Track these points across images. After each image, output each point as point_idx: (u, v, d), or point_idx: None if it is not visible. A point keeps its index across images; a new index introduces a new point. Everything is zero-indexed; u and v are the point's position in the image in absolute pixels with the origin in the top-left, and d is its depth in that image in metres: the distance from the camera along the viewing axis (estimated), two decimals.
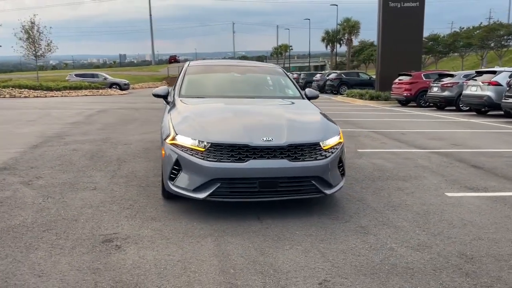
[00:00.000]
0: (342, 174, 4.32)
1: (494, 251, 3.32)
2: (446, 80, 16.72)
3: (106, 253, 3.19)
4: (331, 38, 60.98)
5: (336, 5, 50.30)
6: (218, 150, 3.81)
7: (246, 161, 3.78)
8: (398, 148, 7.70)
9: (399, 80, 19.85)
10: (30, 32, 28.86)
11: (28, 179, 5.22)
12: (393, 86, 20.18)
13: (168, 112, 4.58)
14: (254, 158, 3.81)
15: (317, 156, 3.98)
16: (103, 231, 3.61)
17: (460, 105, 15.99)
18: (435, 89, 16.98)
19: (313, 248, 3.34)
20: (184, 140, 3.91)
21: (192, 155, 3.83)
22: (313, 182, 3.96)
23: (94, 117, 12.61)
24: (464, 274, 2.94)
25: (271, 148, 3.84)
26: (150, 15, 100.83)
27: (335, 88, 29.65)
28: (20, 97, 24.20)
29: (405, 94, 19.13)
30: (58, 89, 27.21)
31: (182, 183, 3.90)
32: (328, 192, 4.04)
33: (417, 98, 18.98)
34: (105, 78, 33.34)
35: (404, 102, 19.90)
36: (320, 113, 4.71)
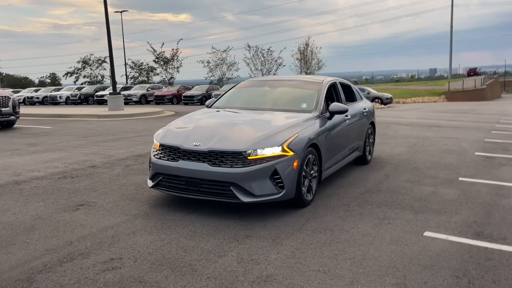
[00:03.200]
0: (281, 187, 4.36)
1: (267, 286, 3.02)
2: None
3: (62, 211, 4.62)
4: None
5: None
6: (163, 150, 4.68)
7: (177, 161, 4.51)
8: None
9: None
10: (304, 53, 33.28)
11: (135, 163, 7.21)
12: None
13: None
14: (183, 160, 4.48)
15: (236, 164, 4.27)
16: (91, 199, 5.06)
17: None
18: None
19: (172, 240, 3.83)
20: (155, 141, 4.94)
21: (152, 152, 4.84)
22: (231, 188, 4.28)
23: None
24: None
25: (197, 152, 4.42)
26: (451, 26, 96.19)
27: None
28: None
29: None
30: None
31: (149, 173, 4.95)
32: (245, 200, 4.24)
33: None
34: (368, 93, 34.69)
35: None
36: (288, 127, 4.72)
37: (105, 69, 43.81)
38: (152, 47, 38.77)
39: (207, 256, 3.45)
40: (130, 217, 4.40)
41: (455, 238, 3.88)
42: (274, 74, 34.46)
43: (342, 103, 6.21)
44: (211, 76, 39.36)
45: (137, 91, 33.99)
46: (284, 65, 33.97)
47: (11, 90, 44.27)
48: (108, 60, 44.32)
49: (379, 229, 4.11)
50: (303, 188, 4.61)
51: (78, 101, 36.11)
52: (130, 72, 42.19)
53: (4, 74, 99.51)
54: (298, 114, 5.18)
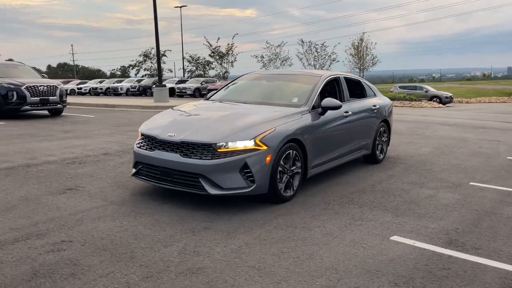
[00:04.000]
0: (252, 181, 4.30)
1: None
2: None
3: (49, 194, 4.85)
4: None
5: None
6: (143, 139, 4.78)
7: (154, 151, 4.59)
8: None
9: None
10: (358, 48, 32.45)
11: None
12: None
13: None
14: (159, 149, 4.55)
15: (206, 156, 4.27)
16: (83, 184, 5.28)
17: None
18: None
19: (130, 227, 3.91)
20: (139, 130, 5.06)
21: (136, 141, 4.97)
22: (200, 179, 4.29)
23: None
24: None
25: (170, 143, 4.47)
26: None
27: None
28: None
29: None
30: None
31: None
32: (212, 192, 4.23)
33: None
34: (427, 91, 33.16)
35: None
36: (267, 121, 4.62)
37: (164, 62, 45.34)
38: (208, 42, 39.54)
39: (154, 245, 3.48)
40: (106, 203, 4.53)
41: (422, 244, 3.62)
42: (327, 70, 33.92)
43: (344, 99, 6.00)
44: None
45: (192, 84, 34.88)
46: (338, 61, 33.32)
47: (79, 81, 47.33)
48: (167, 54, 45.75)
49: (346, 229, 3.94)
50: (279, 184, 4.51)
51: (137, 92, 37.72)
52: (187, 66, 43.38)
53: (80, 67, 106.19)
54: (286, 109, 5.06)
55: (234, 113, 4.92)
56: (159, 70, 20.43)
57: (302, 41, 33.93)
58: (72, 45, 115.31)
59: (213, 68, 41.32)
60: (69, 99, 25.89)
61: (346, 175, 6.03)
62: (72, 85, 44.47)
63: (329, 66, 33.44)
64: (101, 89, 40.78)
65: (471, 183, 5.80)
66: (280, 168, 4.51)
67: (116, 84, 40.07)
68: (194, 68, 42.95)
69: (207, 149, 4.27)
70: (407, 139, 9.90)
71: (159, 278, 2.94)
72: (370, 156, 6.75)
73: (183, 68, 43.53)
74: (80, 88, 42.45)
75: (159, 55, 19.93)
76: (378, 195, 5.07)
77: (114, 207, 4.40)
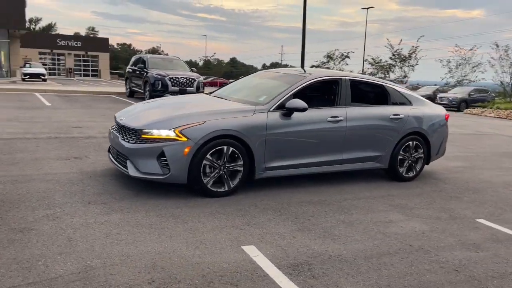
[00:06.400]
0: (168, 169, 4.48)
1: None
2: None
3: (57, 159, 5.92)
4: None
5: None
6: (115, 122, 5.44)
7: (113, 132, 5.21)
8: None
9: None
10: None
11: None
12: None
13: None
14: (115, 132, 5.14)
15: (132, 140, 4.66)
16: (91, 155, 6.22)
17: None
18: None
19: (54, 192, 4.61)
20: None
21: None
22: (127, 161, 4.71)
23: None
24: None
25: (118, 126, 5.02)
26: None
27: None
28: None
29: None
30: None
31: None
32: (131, 173, 4.57)
33: None
34: None
35: None
36: (204, 114, 4.68)
37: (347, 64, 45.32)
38: (390, 44, 37.90)
39: (39, 206, 4.05)
40: (77, 172, 5.32)
41: (261, 260, 3.30)
42: None
43: (341, 103, 5.48)
44: (450, 77, 35.69)
45: None
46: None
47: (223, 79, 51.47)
48: (350, 55, 45.54)
49: (215, 231, 3.81)
50: (205, 178, 4.56)
51: None
52: (368, 69, 42.41)
53: (288, 66, 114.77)
54: (239, 105, 5.01)
55: (178, 105, 5.13)
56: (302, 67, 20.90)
57: (496, 45, 29.44)
58: (282, 46, 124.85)
59: (392, 72, 39.45)
60: None
61: (329, 185, 5.50)
62: None
63: None
64: None
65: (479, 220, 4.65)
66: (207, 162, 4.54)
67: None
68: (376, 71, 41.67)
69: (134, 134, 4.63)
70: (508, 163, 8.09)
71: None
72: (389, 172, 5.94)
73: (363, 71, 42.69)
74: None
75: (303, 56, 20.35)
76: (324, 210, 4.58)
77: (74, 175, 5.15)
